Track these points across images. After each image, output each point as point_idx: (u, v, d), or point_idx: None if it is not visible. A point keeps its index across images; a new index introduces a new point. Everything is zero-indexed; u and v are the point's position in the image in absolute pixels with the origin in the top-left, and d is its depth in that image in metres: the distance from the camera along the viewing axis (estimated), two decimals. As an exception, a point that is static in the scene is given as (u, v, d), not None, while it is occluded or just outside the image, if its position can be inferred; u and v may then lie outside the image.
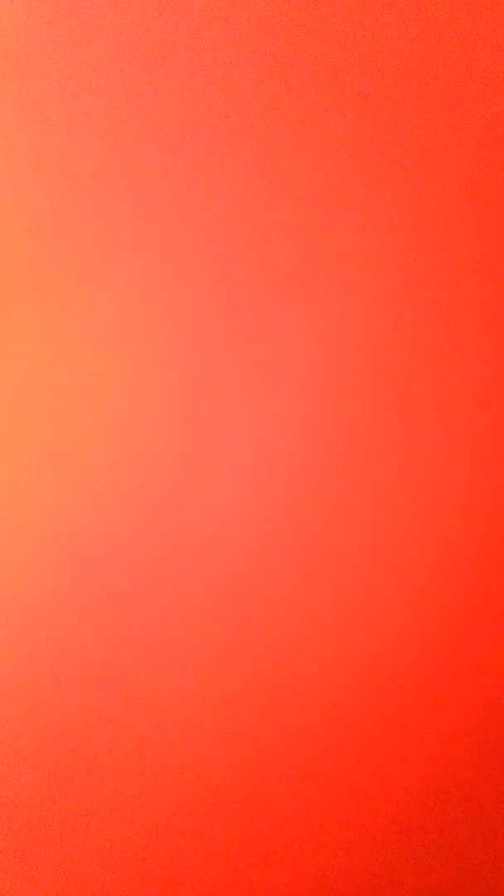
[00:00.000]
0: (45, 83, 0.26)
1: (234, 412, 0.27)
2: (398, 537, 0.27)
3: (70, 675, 0.26)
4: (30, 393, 0.26)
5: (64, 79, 0.27)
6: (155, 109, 0.27)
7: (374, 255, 0.27)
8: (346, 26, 0.27)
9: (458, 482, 0.27)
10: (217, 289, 0.27)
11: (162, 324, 0.27)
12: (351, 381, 0.27)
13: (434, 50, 0.28)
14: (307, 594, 0.27)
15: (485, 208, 0.28)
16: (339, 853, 0.27)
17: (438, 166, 0.27)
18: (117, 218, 0.27)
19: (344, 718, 0.27)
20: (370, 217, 0.27)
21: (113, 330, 0.26)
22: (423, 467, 0.27)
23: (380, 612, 0.27)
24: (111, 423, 0.26)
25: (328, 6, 0.27)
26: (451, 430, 0.27)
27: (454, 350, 0.27)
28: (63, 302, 0.26)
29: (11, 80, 0.26)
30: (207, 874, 0.27)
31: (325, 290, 0.27)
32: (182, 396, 0.27)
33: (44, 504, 0.26)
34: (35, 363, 0.26)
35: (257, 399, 0.27)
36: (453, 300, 0.28)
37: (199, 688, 0.27)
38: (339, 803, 0.27)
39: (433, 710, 0.28)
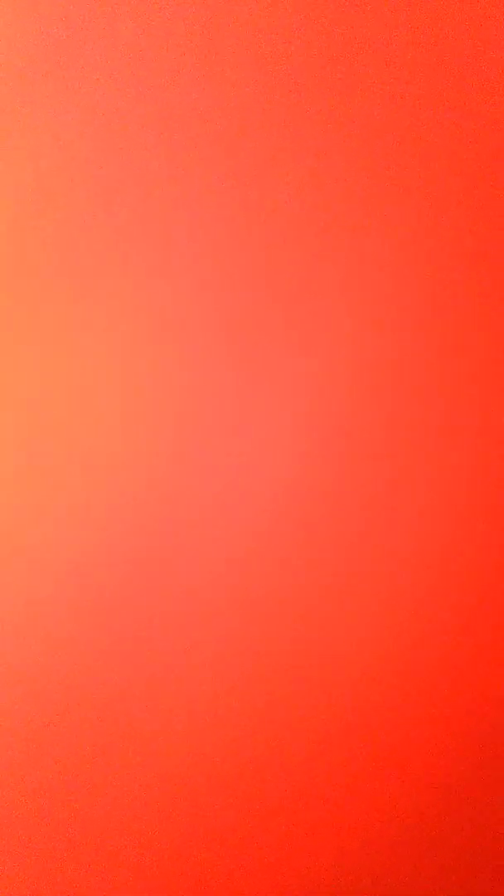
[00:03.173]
0: (47, 87, 0.27)
1: (234, 424, 0.27)
2: (397, 552, 0.27)
3: (72, 676, 0.26)
4: (32, 407, 0.26)
5: (69, 86, 0.27)
6: (159, 120, 0.27)
7: (377, 268, 0.27)
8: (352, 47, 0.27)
9: (458, 494, 0.27)
10: (218, 302, 0.27)
11: (162, 339, 0.27)
12: (351, 394, 0.27)
13: (439, 62, 0.28)
14: (307, 606, 0.27)
15: (490, 222, 0.28)
16: (339, 854, 0.27)
17: (442, 179, 0.27)
18: (118, 229, 0.27)
19: (344, 721, 0.27)
20: (374, 229, 0.27)
21: (113, 341, 0.26)
22: (422, 482, 0.27)
23: (379, 617, 0.27)
24: (111, 435, 0.26)
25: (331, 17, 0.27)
26: (452, 445, 0.27)
27: (456, 364, 0.27)
28: (64, 316, 0.26)
29: (13, 84, 0.27)
30: (207, 876, 0.27)
31: (327, 303, 0.27)
32: (182, 409, 0.27)
33: (45, 512, 0.26)
34: (37, 377, 0.26)
35: (257, 411, 0.27)
36: (457, 313, 0.27)
37: (200, 689, 0.27)
38: (338, 805, 0.27)
39: (433, 714, 0.28)
